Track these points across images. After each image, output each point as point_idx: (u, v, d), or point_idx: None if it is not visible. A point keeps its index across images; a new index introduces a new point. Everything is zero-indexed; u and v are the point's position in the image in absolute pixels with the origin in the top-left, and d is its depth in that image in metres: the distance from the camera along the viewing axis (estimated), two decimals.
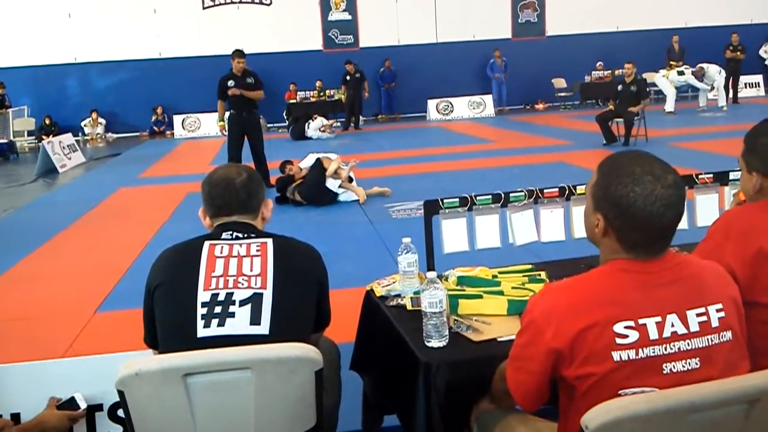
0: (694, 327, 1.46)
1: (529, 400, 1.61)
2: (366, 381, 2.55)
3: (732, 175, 2.88)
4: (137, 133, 18.80)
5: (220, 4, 19.02)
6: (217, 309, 1.84)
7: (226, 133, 8.96)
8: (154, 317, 1.94)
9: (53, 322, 4.47)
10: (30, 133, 17.45)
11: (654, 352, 1.43)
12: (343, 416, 2.35)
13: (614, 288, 1.48)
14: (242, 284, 1.87)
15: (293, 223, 6.65)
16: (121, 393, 1.70)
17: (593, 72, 19.33)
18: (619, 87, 11.50)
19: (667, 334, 1.44)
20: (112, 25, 18.11)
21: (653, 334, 1.44)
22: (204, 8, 18.94)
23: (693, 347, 1.45)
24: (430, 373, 1.90)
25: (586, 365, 1.45)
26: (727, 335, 1.49)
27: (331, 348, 2.34)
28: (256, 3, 19.10)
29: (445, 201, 2.67)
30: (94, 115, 18.15)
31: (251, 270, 1.90)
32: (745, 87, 16.07)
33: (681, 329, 1.45)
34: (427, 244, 2.71)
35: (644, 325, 1.44)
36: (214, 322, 1.83)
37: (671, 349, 1.44)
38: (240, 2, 19.06)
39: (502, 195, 2.70)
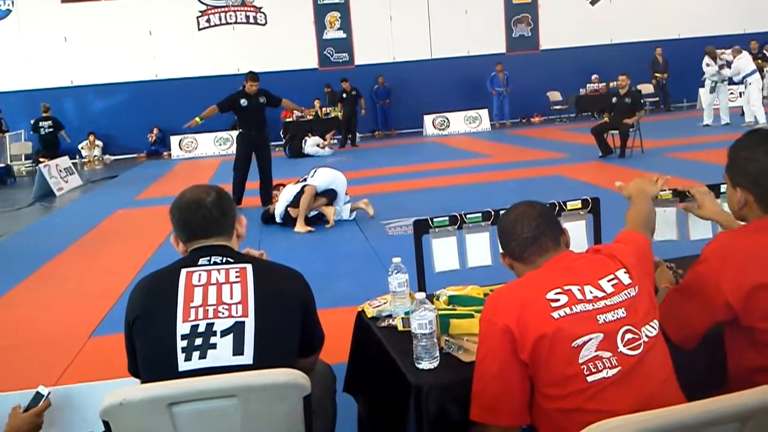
0: (610, 289, 1.69)
1: (512, 406, 1.67)
2: (360, 403, 2.52)
3: (723, 188, 2.85)
4: (134, 155, 18.84)
5: (216, 25, 19.14)
6: (198, 341, 1.77)
7: (193, 128, 9.27)
8: (135, 349, 1.88)
9: (47, 347, 4.43)
10: (27, 157, 17.46)
11: (585, 308, 1.64)
12: None
13: (538, 276, 1.75)
14: (223, 313, 1.80)
15: (290, 242, 6.65)
16: (106, 423, 1.67)
17: (588, 85, 19.44)
18: (614, 99, 11.56)
19: (589, 297, 1.67)
20: (108, 47, 18.23)
21: (579, 295, 1.66)
22: (199, 29, 19.06)
23: (616, 301, 1.67)
24: (420, 396, 1.87)
25: (535, 331, 1.62)
26: (638, 288, 1.71)
27: (326, 372, 2.29)
28: (251, 23, 19.23)
29: (434, 220, 2.65)
30: (91, 137, 18.22)
31: (231, 298, 1.82)
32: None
33: (599, 294, 1.68)
34: (418, 264, 2.69)
35: (569, 290, 1.67)
36: (195, 354, 1.75)
37: (598, 305, 1.65)
38: (235, 23, 19.18)
39: (492, 213, 2.68)
